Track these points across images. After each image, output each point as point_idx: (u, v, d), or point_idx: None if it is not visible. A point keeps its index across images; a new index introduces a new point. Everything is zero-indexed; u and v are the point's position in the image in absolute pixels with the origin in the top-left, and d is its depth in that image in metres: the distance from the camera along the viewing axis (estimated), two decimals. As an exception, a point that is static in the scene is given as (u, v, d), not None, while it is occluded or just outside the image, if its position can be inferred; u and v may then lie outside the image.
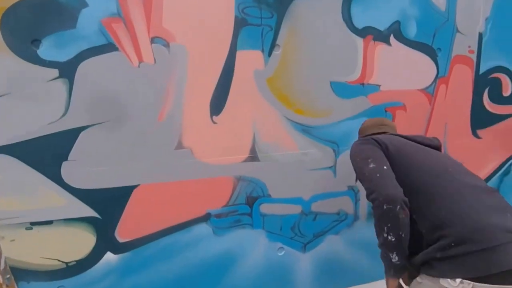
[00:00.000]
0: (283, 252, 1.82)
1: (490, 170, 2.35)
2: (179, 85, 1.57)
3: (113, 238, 1.55)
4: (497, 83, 2.28)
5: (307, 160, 1.82)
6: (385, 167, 1.12)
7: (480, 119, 2.25)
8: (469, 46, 2.14)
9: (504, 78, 2.30)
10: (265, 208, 1.77)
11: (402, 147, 1.21)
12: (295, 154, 1.79)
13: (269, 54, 1.69)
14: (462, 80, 2.16)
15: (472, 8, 2.11)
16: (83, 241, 1.51)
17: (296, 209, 1.83)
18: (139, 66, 1.50)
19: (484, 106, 2.26)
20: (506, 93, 2.32)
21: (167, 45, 1.52)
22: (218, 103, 1.65)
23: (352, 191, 1.92)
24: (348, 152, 1.86)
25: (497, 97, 2.29)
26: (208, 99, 1.63)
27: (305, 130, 1.80)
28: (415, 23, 1.95)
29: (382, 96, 1.92)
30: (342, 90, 1.84)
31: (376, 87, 1.91)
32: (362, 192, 1.94)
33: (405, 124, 2.00)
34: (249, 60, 1.67)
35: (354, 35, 1.82)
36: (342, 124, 1.86)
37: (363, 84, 1.87)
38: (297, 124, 1.78)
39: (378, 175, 1.10)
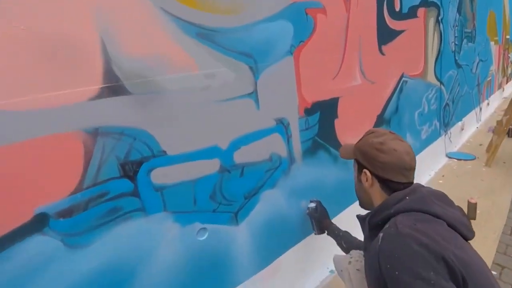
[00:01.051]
0: (206, 235, 1.12)
1: (391, 89, 2.27)
2: None
3: None
4: (391, -4, 2.15)
5: (214, 85, 1.13)
6: None
7: (383, 35, 2.08)
8: None
9: (394, -9, 2.19)
10: (161, 175, 1.01)
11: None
12: (193, 76, 1.08)
13: None
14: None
15: None
16: None
17: (212, 166, 1.14)
18: None
19: (386, 22, 2.10)
20: (397, 8, 2.24)
21: None
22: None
23: (281, 125, 1.38)
24: (268, 70, 1.26)
25: (393, 13, 2.18)
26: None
27: (203, 35, 1.09)
28: None
29: (298, -9, 1.40)
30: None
31: (291, -24, 1.37)
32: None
33: (327, 32, 1.57)
34: None
35: None
36: (257, 28, 1.25)
37: (275, -32, 1.29)
38: (189, 25, 1.06)
39: None
